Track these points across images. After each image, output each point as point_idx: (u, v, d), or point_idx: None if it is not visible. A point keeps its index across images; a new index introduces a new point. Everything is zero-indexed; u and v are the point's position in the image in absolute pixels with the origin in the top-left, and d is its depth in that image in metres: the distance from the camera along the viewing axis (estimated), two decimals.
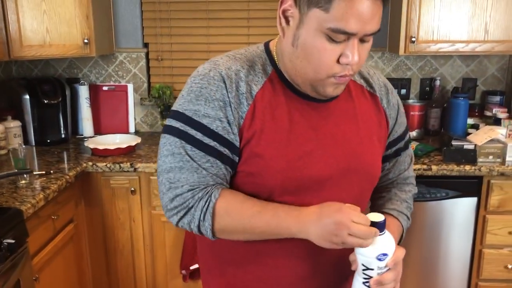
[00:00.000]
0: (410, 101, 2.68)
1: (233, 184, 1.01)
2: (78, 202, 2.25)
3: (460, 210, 2.22)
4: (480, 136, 2.24)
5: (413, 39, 2.31)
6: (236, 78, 0.96)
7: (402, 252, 0.97)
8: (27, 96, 2.49)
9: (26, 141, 2.54)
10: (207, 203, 0.95)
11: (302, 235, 0.93)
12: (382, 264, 0.94)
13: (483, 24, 2.29)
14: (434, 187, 2.19)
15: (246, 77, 0.97)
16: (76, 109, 2.74)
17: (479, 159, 2.19)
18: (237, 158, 0.98)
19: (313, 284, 1.09)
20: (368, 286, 0.96)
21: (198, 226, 0.96)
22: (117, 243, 2.35)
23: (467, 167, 2.13)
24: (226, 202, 0.96)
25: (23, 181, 1.92)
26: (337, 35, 0.86)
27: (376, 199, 1.19)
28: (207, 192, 0.96)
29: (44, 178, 2.00)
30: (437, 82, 2.62)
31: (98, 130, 2.79)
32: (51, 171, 2.08)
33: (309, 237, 0.93)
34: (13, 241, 1.56)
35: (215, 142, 0.95)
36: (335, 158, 1.01)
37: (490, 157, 2.19)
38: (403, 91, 2.72)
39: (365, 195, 1.10)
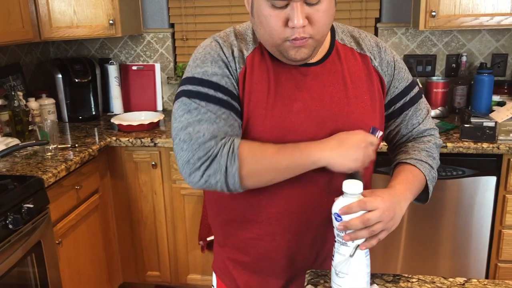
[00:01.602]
0: (434, 78, 2.61)
1: None
2: (104, 174, 2.40)
3: (478, 189, 2.17)
4: (502, 113, 2.16)
5: (433, 13, 2.24)
6: (231, 45, 1.05)
7: (373, 214, 0.91)
8: (60, 75, 2.66)
9: (60, 117, 2.72)
10: (231, 147, 0.97)
11: (325, 159, 0.98)
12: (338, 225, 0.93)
13: None
14: (450, 165, 2.15)
15: (238, 46, 1.05)
16: (107, 87, 2.89)
17: (500, 137, 2.12)
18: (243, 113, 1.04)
19: (307, 238, 1.13)
20: (333, 243, 0.97)
21: (226, 174, 0.97)
22: (140, 214, 2.49)
23: (485, 145, 2.07)
24: (248, 145, 1.00)
25: (49, 153, 2.07)
26: (275, 1, 0.92)
27: (394, 156, 1.19)
28: (229, 139, 1.00)
29: (69, 151, 2.15)
30: (463, 58, 2.53)
31: (128, 108, 2.93)
32: (76, 145, 2.23)
33: (332, 159, 0.98)
34: (31, 205, 1.71)
35: (227, 97, 1.01)
36: (322, 118, 1.05)
37: (511, 134, 2.11)
38: (428, 68, 2.65)
39: None
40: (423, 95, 1.21)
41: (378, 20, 2.66)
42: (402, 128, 1.19)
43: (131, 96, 2.95)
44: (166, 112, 2.89)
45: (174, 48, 2.89)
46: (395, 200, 0.97)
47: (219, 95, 1.00)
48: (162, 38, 2.87)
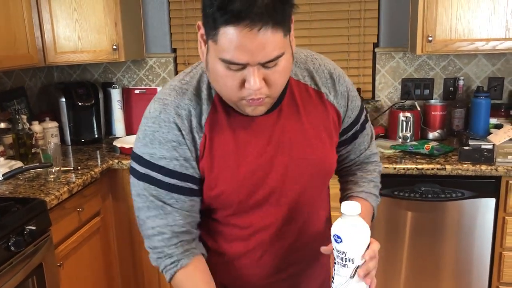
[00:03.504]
0: (432, 101, 2.65)
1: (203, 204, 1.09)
2: (106, 197, 2.41)
3: (478, 211, 2.18)
4: (500, 136, 2.19)
5: (430, 38, 2.29)
6: (187, 114, 1.00)
7: (377, 245, 0.98)
8: (63, 99, 2.70)
9: (63, 140, 2.75)
10: (172, 265, 1.03)
11: None
12: (339, 247, 0.95)
13: (504, 21, 2.24)
14: (449, 187, 2.17)
15: (195, 110, 1.01)
16: (110, 111, 2.92)
17: (498, 159, 2.14)
18: (202, 186, 1.04)
19: (289, 272, 1.16)
20: (333, 265, 0.99)
21: (162, 271, 1.07)
22: (141, 237, 2.48)
23: (483, 167, 2.09)
24: (186, 275, 1.04)
25: (52, 176, 2.09)
26: (230, 65, 0.88)
27: (344, 184, 1.23)
28: (171, 263, 1.03)
29: (72, 173, 2.17)
30: (461, 82, 2.57)
31: (131, 131, 2.96)
32: (78, 167, 2.25)
33: None
34: (34, 227, 1.72)
35: (175, 180, 1.01)
36: (285, 165, 1.05)
37: (510, 157, 2.13)
38: (426, 91, 2.69)
39: (318, 186, 1.14)
40: (368, 117, 1.22)
41: (376, 45, 2.71)
42: (352, 154, 1.22)
43: (133, 119, 2.98)
44: None
45: (176, 72, 2.94)
46: None
47: (167, 179, 1.00)
48: (165, 63, 2.92)
